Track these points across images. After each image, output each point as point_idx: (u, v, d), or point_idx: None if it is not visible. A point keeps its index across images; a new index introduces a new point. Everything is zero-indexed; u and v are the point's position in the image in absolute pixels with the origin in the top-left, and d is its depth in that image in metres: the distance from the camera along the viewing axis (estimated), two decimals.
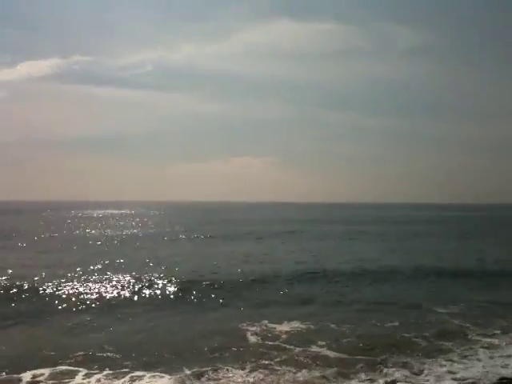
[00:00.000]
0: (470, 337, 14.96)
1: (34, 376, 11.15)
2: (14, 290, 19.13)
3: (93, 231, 58.18)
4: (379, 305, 19.07)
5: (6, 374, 11.20)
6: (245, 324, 16.19)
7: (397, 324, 16.37)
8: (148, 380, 11.28)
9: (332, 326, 16.13)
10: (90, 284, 20.82)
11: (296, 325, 16.21)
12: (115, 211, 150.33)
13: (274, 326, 16.09)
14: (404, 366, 12.31)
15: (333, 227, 64.55)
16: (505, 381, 10.50)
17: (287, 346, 13.86)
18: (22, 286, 20.05)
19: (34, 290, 19.45)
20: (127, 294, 19.46)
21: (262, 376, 11.58)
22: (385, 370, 11.94)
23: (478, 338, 14.83)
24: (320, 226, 68.64)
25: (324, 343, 14.08)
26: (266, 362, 12.48)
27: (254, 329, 15.70)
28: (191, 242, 43.21)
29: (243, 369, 12.02)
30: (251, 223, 74.28)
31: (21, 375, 11.13)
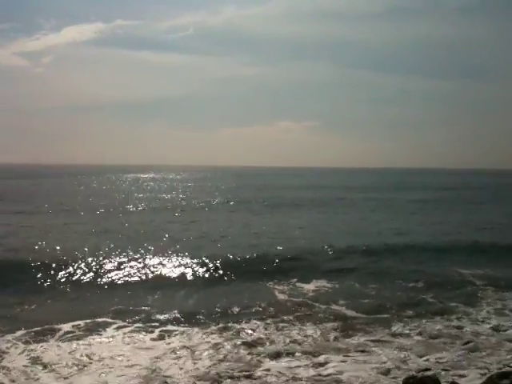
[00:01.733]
0: (485, 300, 15.20)
1: (73, 326, 12.31)
2: (64, 258, 19.40)
3: (142, 195, 59.30)
4: (410, 272, 18.96)
5: (49, 324, 12.36)
6: (272, 283, 16.98)
7: (421, 285, 16.87)
8: (176, 334, 12.12)
9: (357, 285, 16.72)
10: (134, 253, 20.79)
11: (322, 284, 16.82)
12: (159, 175, 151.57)
13: (301, 285, 16.75)
14: (415, 327, 12.71)
15: (376, 194, 61.83)
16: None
17: (309, 302, 14.75)
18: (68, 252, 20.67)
19: (78, 257, 19.69)
20: (167, 264, 19.40)
21: (281, 330, 12.36)
22: (394, 329, 12.49)
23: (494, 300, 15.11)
24: (364, 192, 65.59)
25: (345, 302, 14.72)
26: (290, 318, 13.30)
27: (281, 288, 16.40)
28: (232, 211, 41.38)
29: (266, 323, 12.86)
30: (291, 189, 72.61)
31: (61, 326, 12.29)
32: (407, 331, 12.34)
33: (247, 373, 9.70)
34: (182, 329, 12.46)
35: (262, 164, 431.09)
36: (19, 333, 11.68)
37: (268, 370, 9.85)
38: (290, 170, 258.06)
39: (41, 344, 11.10)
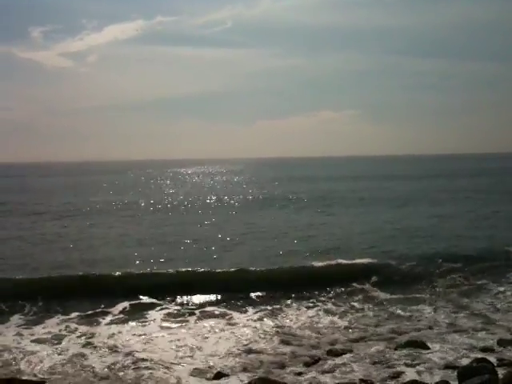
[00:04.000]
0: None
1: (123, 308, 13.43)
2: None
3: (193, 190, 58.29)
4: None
5: (103, 307, 13.49)
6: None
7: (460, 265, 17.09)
8: (217, 315, 12.88)
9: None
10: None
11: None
12: (204, 169, 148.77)
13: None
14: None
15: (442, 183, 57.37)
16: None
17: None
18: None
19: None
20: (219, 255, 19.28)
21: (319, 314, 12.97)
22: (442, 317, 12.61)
23: None
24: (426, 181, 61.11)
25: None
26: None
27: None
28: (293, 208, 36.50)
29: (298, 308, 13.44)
30: (345, 181, 67.16)
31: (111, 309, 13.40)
32: (455, 314, 12.50)
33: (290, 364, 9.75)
34: (219, 310, 13.27)
35: (303, 155, 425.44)
36: (73, 314, 12.82)
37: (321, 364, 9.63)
38: (332, 159, 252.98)
39: (93, 326, 12.16)
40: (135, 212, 34.66)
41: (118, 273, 15.99)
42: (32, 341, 11.09)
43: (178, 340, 11.02)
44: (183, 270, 16.49)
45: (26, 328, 11.97)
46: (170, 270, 16.35)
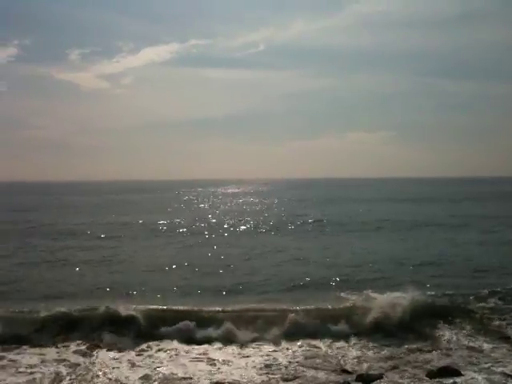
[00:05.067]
0: None
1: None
2: None
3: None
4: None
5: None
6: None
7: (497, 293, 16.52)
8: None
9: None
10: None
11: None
12: (235, 190, 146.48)
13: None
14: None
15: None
16: None
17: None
18: None
19: None
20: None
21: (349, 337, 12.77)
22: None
23: None
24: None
25: None
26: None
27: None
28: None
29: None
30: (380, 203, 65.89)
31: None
32: (491, 343, 12.10)
33: None
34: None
35: (333, 176, 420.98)
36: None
37: None
38: (363, 181, 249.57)
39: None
40: (160, 234, 34.63)
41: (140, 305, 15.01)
42: (72, 352, 11.63)
43: (203, 355, 11.38)
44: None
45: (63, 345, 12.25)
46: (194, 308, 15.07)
